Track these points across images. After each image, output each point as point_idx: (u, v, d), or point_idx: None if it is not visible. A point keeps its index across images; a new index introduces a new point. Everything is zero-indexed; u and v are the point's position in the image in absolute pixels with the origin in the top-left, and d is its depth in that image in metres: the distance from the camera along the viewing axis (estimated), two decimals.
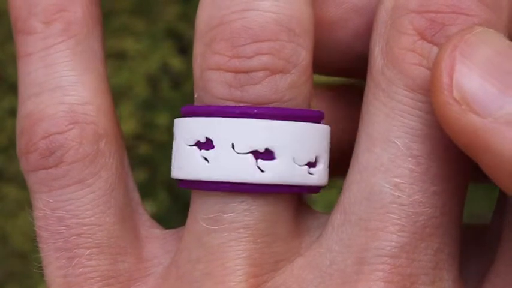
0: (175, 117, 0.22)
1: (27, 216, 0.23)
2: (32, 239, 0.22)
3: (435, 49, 0.19)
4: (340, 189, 0.21)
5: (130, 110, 0.80)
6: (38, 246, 0.22)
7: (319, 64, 0.22)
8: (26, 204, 0.23)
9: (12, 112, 0.76)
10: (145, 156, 0.78)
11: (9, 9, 0.23)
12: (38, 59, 0.22)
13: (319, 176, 0.21)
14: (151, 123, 0.80)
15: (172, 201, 0.76)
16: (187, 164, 0.21)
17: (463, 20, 0.20)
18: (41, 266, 0.22)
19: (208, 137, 0.20)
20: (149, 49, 0.84)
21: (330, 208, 0.22)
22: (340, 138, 0.23)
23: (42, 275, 0.23)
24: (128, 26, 0.84)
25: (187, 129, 0.21)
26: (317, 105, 0.22)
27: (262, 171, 0.20)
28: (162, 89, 0.82)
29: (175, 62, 0.83)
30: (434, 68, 0.18)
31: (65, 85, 0.22)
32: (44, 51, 0.22)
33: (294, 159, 0.20)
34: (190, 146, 0.21)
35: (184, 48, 0.84)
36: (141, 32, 0.85)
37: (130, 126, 0.79)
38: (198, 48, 0.21)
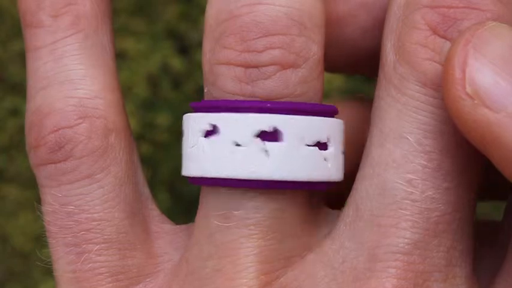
0: (175, 117, 0.22)
1: (27, 216, 0.23)
2: (33, 239, 0.22)
3: (447, 44, 0.19)
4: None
5: (131, 110, 0.80)
6: (38, 246, 0.22)
7: (327, 60, 0.22)
8: (26, 204, 0.23)
9: (13, 112, 0.76)
10: (145, 156, 0.78)
11: (17, 3, 0.23)
12: (46, 53, 0.22)
13: (335, 170, 0.21)
14: (152, 123, 0.80)
15: (173, 201, 0.76)
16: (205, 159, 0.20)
17: (475, 15, 0.19)
18: (44, 264, 0.22)
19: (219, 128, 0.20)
20: (149, 49, 0.84)
21: None
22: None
23: (43, 275, 0.22)
24: (128, 26, 0.84)
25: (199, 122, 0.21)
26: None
27: (274, 166, 0.20)
28: (162, 89, 0.82)
29: (176, 62, 0.83)
30: (446, 62, 0.18)
31: (74, 79, 0.22)
32: (53, 44, 0.22)
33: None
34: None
35: (185, 48, 0.84)
36: (141, 32, 0.84)
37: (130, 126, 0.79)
38: (207, 43, 0.21)
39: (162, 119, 0.80)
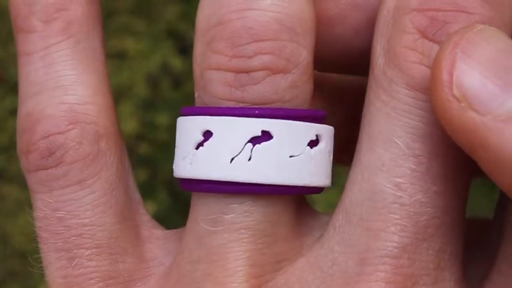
0: (175, 117, 0.22)
1: (27, 216, 0.23)
2: (32, 239, 0.22)
3: (436, 47, 0.19)
4: (340, 189, 0.21)
5: (131, 109, 0.80)
6: (38, 247, 0.22)
7: (318, 61, 0.22)
8: (26, 204, 0.23)
9: (14, 112, 0.76)
10: (145, 156, 0.78)
11: (9, 8, 0.23)
12: (38, 58, 0.22)
13: (324, 174, 0.21)
14: (152, 123, 0.80)
15: (173, 201, 0.76)
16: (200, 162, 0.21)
17: (464, 18, 0.19)
18: (41, 266, 0.22)
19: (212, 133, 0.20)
20: (149, 49, 0.84)
21: (330, 208, 0.22)
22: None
23: (42, 275, 0.23)
24: (128, 26, 0.84)
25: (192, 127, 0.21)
26: (319, 100, 0.22)
27: (264, 171, 0.20)
28: (162, 89, 0.82)
29: (176, 62, 0.83)
30: (434, 65, 0.18)
31: (65, 84, 0.22)
32: (44, 50, 0.22)
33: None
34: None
35: (185, 48, 0.84)
36: (141, 32, 0.85)
37: (130, 126, 0.79)
38: (198, 48, 0.21)
39: (162, 119, 0.80)
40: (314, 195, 0.22)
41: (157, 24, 0.85)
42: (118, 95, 0.77)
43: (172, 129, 0.22)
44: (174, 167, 0.21)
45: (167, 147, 0.79)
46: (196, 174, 0.20)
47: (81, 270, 0.21)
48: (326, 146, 0.21)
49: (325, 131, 0.21)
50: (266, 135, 0.20)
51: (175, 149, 0.21)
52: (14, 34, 0.23)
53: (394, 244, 0.20)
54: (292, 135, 0.20)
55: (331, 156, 0.21)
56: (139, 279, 0.22)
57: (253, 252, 0.20)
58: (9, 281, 0.71)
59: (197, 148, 0.20)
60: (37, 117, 0.22)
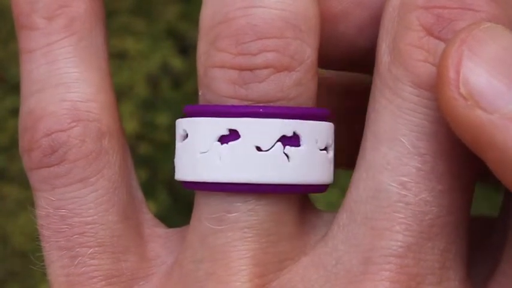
0: (175, 117, 0.22)
1: (28, 216, 0.23)
2: (33, 239, 0.22)
3: (442, 45, 0.19)
4: (340, 189, 0.21)
5: (131, 109, 0.80)
6: (40, 245, 0.22)
7: (322, 58, 0.21)
8: (27, 204, 0.23)
9: (14, 112, 0.76)
10: (145, 156, 0.78)
11: (11, 5, 0.23)
12: (40, 56, 0.22)
13: (326, 172, 0.21)
14: (152, 123, 0.80)
15: (173, 201, 0.76)
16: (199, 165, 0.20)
17: (470, 16, 0.19)
18: (43, 265, 0.22)
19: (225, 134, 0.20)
20: (149, 49, 0.84)
21: (330, 207, 0.22)
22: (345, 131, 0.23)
23: (43, 275, 0.22)
24: (128, 26, 0.84)
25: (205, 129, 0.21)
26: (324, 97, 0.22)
27: (269, 171, 0.20)
28: (162, 89, 0.82)
29: (176, 62, 0.83)
30: (440, 63, 0.18)
31: (68, 82, 0.22)
32: (47, 47, 0.22)
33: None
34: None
35: (185, 48, 0.84)
36: (141, 32, 0.84)
37: (130, 126, 0.79)
38: (202, 46, 0.21)
39: (162, 119, 0.80)
40: (313, 195, 0.22)
41: (157, 24, 0.85)
42: (118, 95, 0.77)
43: (172, 129, 0.22)
44: (175, 168, 0.21)
45: (167, 147, 0.79)
46: (196, 177, 0.20)
47: (84, 268, 0.21)
48: (327, 143, 0.21)
49: (327, 129, 0.21)
50: (269, 136, 0.20)
51: (179, 151, 0.21)
52: (16, 32, 0.23)
53: (399, 243, 0.19)
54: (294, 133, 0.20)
55: (331, 153, 0.21)
56: (142, 278, 0.22)
57: (257, 251, 0.20)
58: (9, 281, 0.71)
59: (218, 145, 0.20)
60: (39, 115, 0.22)
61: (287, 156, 0.20)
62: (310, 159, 0.20)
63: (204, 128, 0.20)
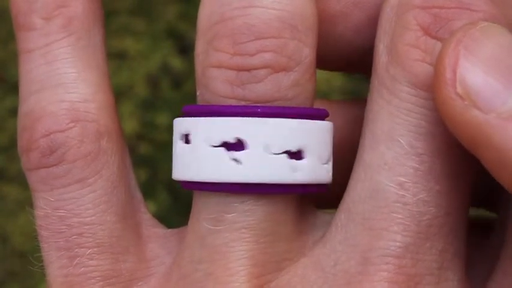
0: (175, 117, 0.22)
1: (27, 216, 0.23)
2: (33, 239, 0.22)
3: (439, 45, 0.19)
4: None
5: (131, 109, 0.80)
6: (39, 246, 0.22)
7: (320, 59, 0.21)
8: (26, 204, 0.23)
9: (14, 112, 0.76)
10: (145, 156, 0.78)
11: (10, 5, 0.23)
12: (39, 56, 0.22)
13: (325, 173, 0.21)
14: (152, 123, 0.80)
15: (173, 201, 0.76)
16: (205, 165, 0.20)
17: (467, 15, 0.19)
18: (42, 265, 0.22)
19: (237, 138, 0.20)
20: (149, 49, 0.84)
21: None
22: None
23: (42, 275, 0.22)
24: (128, 26, 0.84)
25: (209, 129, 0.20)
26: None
27: (264, 171, 0.20)
28: (162, 89, 0.82)
29: (176, 62, 0.83)
30: (437, 63, 0.18)
31: (66, 82, 0.22)
32: (45, 47, 0.22)
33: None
34: (215, 147, 0.20)
35: (185, 48, 0.84)
36: (141, 32, 0.84)
37: (130, 126, 0.79)
38: (199, 46, 0.21)
39: (162, 119, 0.80)
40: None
41: (157, 24, 0.85)
42: (118, 95, 0.77)
43: (172, 129, 0.22)
44: (173, 168, 0.21)
45: (167, 147, 0.79)
46: (192, 177, 0.20)
47: (82, 269, 0.21)
48: (326, 143, 0.21)
49: (326, 128, 0.21)
50: (265, 135, 0.20)
51: (177, 151, 0.21)
52: (15, 32, 0.23)
53: (397, 244, 0.19)
54: (292, 133, 0.20)
55: (331, 153, 0.21)
56: (141, 279, 0.22)
57: (255, 251, 0.20)
58: (9, 281, 0.71)
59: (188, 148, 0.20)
60: (38, 115, 0.22)
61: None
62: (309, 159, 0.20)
63: (202, 128, 0.20)
